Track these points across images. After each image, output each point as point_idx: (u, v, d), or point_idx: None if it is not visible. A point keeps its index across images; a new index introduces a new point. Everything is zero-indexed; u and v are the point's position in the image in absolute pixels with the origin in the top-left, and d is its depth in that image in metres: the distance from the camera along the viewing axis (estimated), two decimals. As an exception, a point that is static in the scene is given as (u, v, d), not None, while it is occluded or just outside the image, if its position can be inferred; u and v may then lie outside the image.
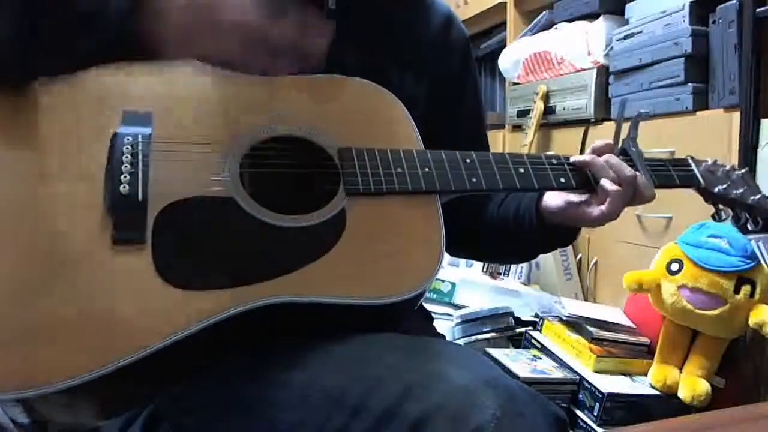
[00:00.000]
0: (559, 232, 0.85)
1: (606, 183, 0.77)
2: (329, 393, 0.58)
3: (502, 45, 2.46)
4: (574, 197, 0.81)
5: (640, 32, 1.67)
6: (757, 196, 0.88)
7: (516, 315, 1.65)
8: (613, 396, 1.25)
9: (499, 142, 2.41)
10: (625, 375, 1.34)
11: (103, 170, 0.63)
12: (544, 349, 1.47)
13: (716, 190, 0.87)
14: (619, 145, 0.84)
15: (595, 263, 1.85)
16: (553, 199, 0.83)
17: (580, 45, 1.90)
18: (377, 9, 0.84)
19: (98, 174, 0.63)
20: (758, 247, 1.26)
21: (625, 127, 0.87)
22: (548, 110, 2.06)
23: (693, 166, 0.88)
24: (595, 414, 1.25)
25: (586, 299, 1.88)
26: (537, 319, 1.58)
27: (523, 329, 1.59)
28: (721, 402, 1.23)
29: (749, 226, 0.89)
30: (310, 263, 0.64)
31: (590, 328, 1.39)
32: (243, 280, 0.61)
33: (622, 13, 1.81)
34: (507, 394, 0.54)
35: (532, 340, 1.53)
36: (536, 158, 0.79)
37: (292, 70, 0.74)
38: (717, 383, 1.27)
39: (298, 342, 0.63)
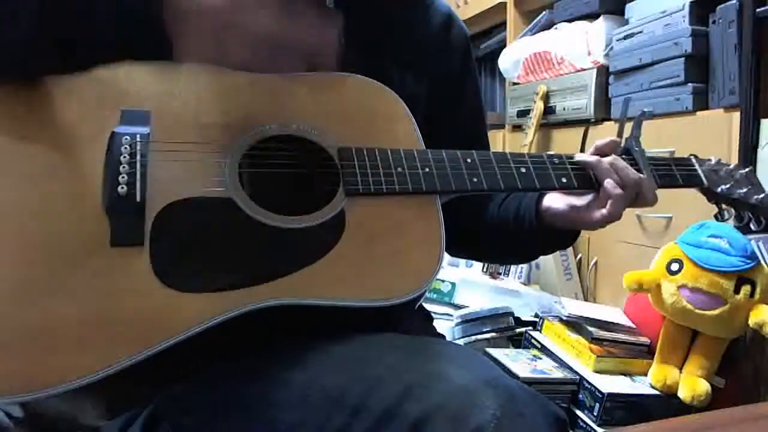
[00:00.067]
0: (560, 233, 0.85)
1: (609, 185, 0.77)
2: (329, 393, 0.58)
3: (502, 45, 2.46)
4: (576, 200, 0.81)
5: (640, 32, 1.67)
6: (761, 196, 0.87)
7: (516, 315, 1.65)
8: (613, 396, 1.24)
9: (499, 142, 2.41)
10: (625, 375, 1.34)
11: (102, 170, 0.63)
12: (544, 349, 1.47)
13: (719, 189, 0.86)
14: (622, 144, 0.84)
15: (595, 263, 1.85)
16: (554, 201, 0.83)
17: (580, 45, 1.90)
18: (377, 8, 0.84)
19: (96, 173, 0.62)
20: (758, 247, 1.26)
21: (628, 126, 0.86)
22: (548, 110, 2.06)
23: (696, 166, 0.87)
24: (595, 414, 1.25)
25: (586, 299, 1.88)
26: (537, 319, 1.58)
27: (523, 329, 1.59)
28: (721, 402, 1.23)
29: (752, 226, 0.88)
30: (310, 265, 0.64)
31: (590, 328, 1.39)
32: (242, 282, 0.61)
33: (622, 13, 1.81)
34: (507, 394, 0.54)
35: (532, 340, 1.53)
36: (538, 157, 0.79)
37: (302, 68, 0.74)
38: (717, 383, 1.27)
39: (299, 342, 0.63)
